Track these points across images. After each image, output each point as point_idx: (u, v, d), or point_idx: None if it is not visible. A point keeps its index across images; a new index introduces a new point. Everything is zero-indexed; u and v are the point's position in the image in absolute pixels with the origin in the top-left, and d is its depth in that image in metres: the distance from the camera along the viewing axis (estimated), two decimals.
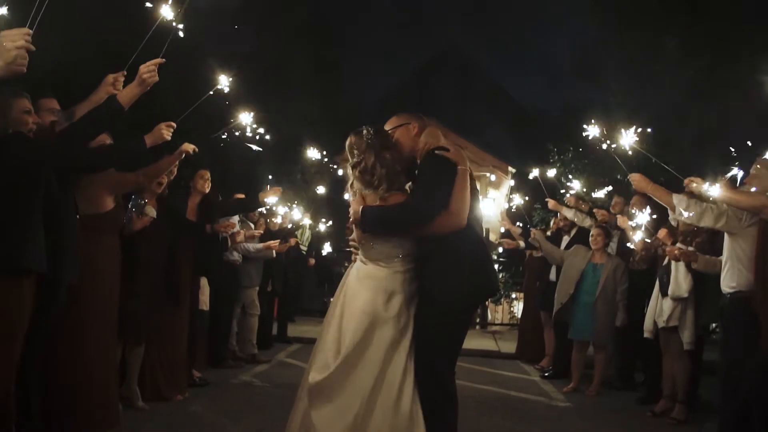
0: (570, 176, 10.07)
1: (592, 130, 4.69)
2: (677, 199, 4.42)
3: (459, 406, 3.04)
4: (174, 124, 4.01)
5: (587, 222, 7.04)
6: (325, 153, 9.40)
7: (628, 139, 4.27)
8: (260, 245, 7.08)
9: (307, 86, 10.78)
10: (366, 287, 3.07)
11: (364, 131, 3.18)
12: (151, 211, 4.59)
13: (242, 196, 7.01)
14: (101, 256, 4.00)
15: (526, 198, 9.85)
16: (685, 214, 4.24)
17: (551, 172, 8.06)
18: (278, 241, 7.27)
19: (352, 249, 3.35)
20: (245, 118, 4.75)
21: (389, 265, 3.09)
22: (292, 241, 8.44)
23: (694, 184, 4.19)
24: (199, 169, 5.65)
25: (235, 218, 6.66)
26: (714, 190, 3.85)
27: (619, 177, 8.62)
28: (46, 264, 3.08)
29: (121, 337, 4.41)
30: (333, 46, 14.08)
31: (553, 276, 7.26)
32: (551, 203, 7.51)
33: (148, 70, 3.14)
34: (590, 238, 6.53)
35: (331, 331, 3.08)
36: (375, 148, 3.11)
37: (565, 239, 7.48)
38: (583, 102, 12.10)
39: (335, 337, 3.04)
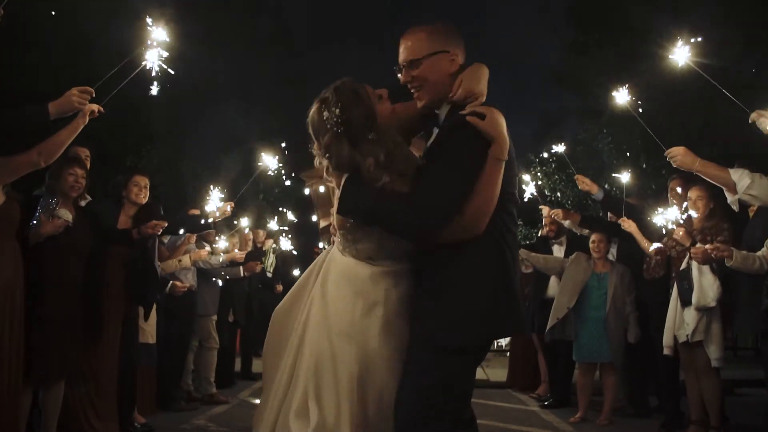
0: (553, 186, 9.55)
1: (620, 96, 3.82)
2: (737, 174, 3.57)
3: None
4: (91, 90, 3.12)
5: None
6: (281, 167, 8.60)
7: (682, 53, 3.30)
8: (223, 257, 6.19)
9: (271, 99, 10.20)
10: (340, 293, 2.19)
11: (327, 94, 2.19)
12: (66, 215, 3.66)
13: (197, 211, 6.15)
14: None
15: None
16: (753, 192, 3.37)
17: (529, 183, 7.23)
18: (243, 253, 6.39)
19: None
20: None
21: (376, 263, 2.20)
22: (257, 267, 7.59)
23: (764, 118, 3.25)
24: (135, 174, 4.75)
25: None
26: None
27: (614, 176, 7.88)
28: None
29: (28, 378, 3.44)
30: (298, 58, 13.49)
31: (552, 292, 6.42)
32: (554, 212, 6.57)
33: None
34: (591, 245, 5.75)
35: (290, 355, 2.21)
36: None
37: (557, 249, 6.73)
38: (562, 109, 11.70)
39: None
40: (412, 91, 2.19)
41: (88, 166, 4.13)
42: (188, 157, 9.34)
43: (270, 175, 8.07)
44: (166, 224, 4.55)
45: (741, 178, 3.52)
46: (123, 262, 4.35)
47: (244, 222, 6.71)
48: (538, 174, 10.28)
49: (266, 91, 10.86)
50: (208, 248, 6.19)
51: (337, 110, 2.12)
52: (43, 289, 3.55)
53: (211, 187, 5.38)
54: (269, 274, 8.80)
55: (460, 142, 2.03)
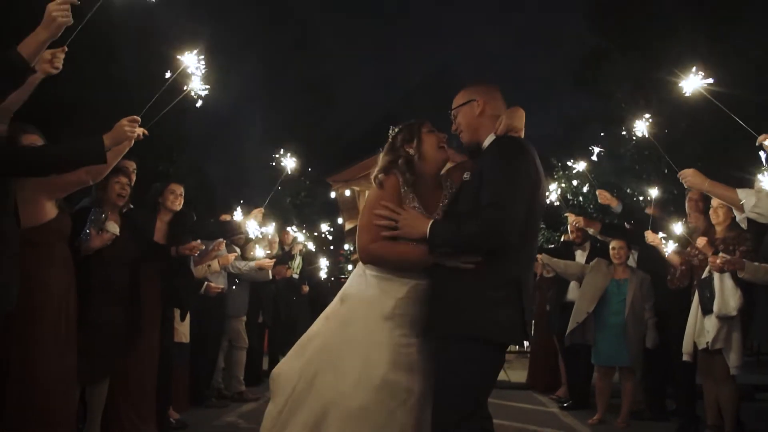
0: (575, 191, 9.61)
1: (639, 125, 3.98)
2: (743, 193, 3.71)
3: None
4: (138, 119, 3.36)
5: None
6: (309, 171, 8.84)
7: (694, 82, 3.46)
8: (252, 263, 6.43)
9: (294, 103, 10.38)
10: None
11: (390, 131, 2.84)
12: (113, 228, 3.90)
13: (228, 217, 6.41)
14: (51, 275, 3.35)
15: None
16: (760, 210, 3.51)
17: (553, 187, 7.33)
18: (272, 261, 6.62)
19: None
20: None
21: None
22: (288, 272, 7.83)
23: None
24: (171, 183, 5.00)
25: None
26: None
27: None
28: None
29: (79, 374, 3.70)
30: (322, 65, 13.71)
31: (572, 295, 6.54)
32: (577, 219, 6.67)
33: (59, 7, 2.40)
34: (611, 252, 5.87)
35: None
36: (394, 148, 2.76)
37: (579, 254, 6.84)
38: (584, 114, 11.72)
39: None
40: (459, 133, 2.71)
41: (134, 179, 4.37)
42: (217, 162, 9.62)
43: (295, 178, 8.32)
44: (204, 247, 4.80)
45: (748, 197, 3.64)
46: (161, 268, 4.60)
47: (271, 227, 6.91)
48: (561, 179, 10.33)
49: (290, 96, 11.08)
50: (235, 253, 6.42)
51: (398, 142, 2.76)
52: (91, 296, 3.79)
53: (241, 201, 5.62)
54: (295, 276, 9.03)
55: (517, 155, 2.41)
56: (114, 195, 4.09)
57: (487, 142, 2.60)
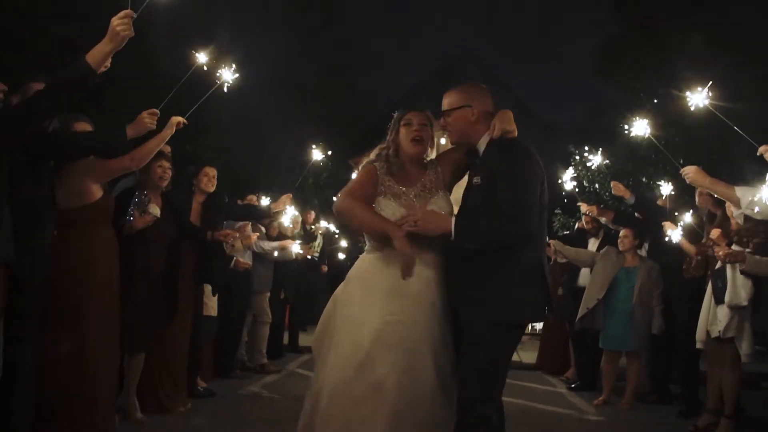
0: (592, 178, 9.74)
1: (638, 126, 4.16)
2: (741, 191, 3.87)
3: None
4: (157, 112, 3.70)
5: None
6: (329, 154, 9.06)
7: (699, 97, 3.63)
8: (275, 243, 6.73)
9: (317, 88, 10.58)
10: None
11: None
12: (155, 210, 4.19)
13: (254, 198, 6.71)
14: (97, 250, 3.66)
15: None
16: (755, 208, 3.69)
17: (568, 176, 7.49)
18: (295, 241, 6.91)
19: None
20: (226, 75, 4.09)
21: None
22: (310, 251, 8.12)
23: None
24: (205, 166, 5.30)
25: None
26: None
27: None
28: (12, 255, 2.73)
29: (120, 345, 4.03)
30: (344, 49, 13.82)
31: (583, 281, 6.77)
32: (590, 209, 6.77)
33: (122, 21, 2.63)
34: (619, 240, 6.10)
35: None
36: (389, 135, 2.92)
37: (592, 242, 7.05)
38: (605, 103, 11.76)
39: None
40: (447, 132, 2.85)
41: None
42: (241, 144, 9.88)
43: (319, 161, 8.55)
44: (237, 235, 5.14)
45: (744, 195, 3.81)
46: (196, 248, 4.92)
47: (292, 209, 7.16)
48: (579, 166, 10.44)
49: (314, 78, 11.26)
50: (257, 233, 6.69)
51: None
52: (133, 275, 4.11)
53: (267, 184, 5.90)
54: (316, 255, 9.32)
55: (524, 157, 2.62)
56: (156, 177, 4.38)
57: (483, 143, 2.75)
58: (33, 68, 3.40)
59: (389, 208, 2.74)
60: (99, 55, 2.70)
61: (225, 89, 4.02)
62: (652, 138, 4.02)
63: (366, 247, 2.88)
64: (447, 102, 2.80)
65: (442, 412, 2.61)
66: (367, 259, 2.82)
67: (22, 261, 2.87)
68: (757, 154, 3.60)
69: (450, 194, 2.92)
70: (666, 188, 5.66)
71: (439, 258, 2.75)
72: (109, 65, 3.06)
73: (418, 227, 2.59)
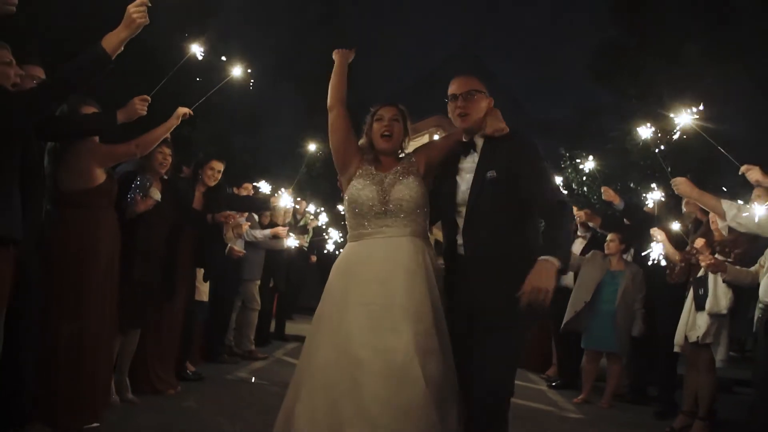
0: (581, 181, 9.86)
1: (643, 132, 4.27)
2: (727, 204, 3.99)
3: None
4: (148, 98, 3.78)
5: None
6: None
7: (684, 118, 3.81)
8: (267, 231, 6.81)
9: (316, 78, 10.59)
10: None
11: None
12: (156, 194, 4.28)
13: (249, 186, 6.78)
14: (100, 233, 3.73)
15: None
16: (739, 220, 3.83)
17: (558, 179, 7.62)
18: (286, 228, 6.99)
19: None
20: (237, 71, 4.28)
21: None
22: (302, 240, 8.20)
23: (752, 172, 3.75)
24: (213, 159, 5.39)
25: None
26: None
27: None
28: (21, 233, 2.80)
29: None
30: (344, 40, 13.83)
31: (566, 281, 6.90)
32: (578, 214, 6.90)
33: (137, 9, 2.72)
34: (606, 244, 6.24)
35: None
36: None
37: (580, 242, 7.18)
38: (597, 106, 11.85)
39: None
40: (460, 115, 2.86)
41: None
42: (239, 131, 9.91)
43: (314, 151, 8.61)
44: (238, 216, 5.23)
45: (730, 207, 3.95)
46: (197, 233, 5.00)
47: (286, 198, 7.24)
48: (569, 169, 10.58)
49: (313, 69, 11.27)
50: (248, 223, 6.75)
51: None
52: (134, 257, 4.19)
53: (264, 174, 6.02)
54: (305, 246, 9.40)
55: (535, 153, 2.79)
56: (157, 163, 4.45)
57: (479, 142, 2.87)
58: (32, 56, 3.42)
59: (360, 185, 2.87)
60: (115, 42, 2.77)
61: (225, 81, 4.09)
62: (649, 144, 4.11)
63: (348, 236, 2.97)
64: (468, 84, 2.87)
65: (427, 394, 2.55)
66: (347, 248, 2.93)
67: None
68: (739, 173, 3.74)
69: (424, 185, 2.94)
70: (654, 195, 5.79)
71: (418, 244, 2.82)
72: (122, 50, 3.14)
73: (537, 295, 2.50)
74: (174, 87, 3.91)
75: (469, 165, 2.89)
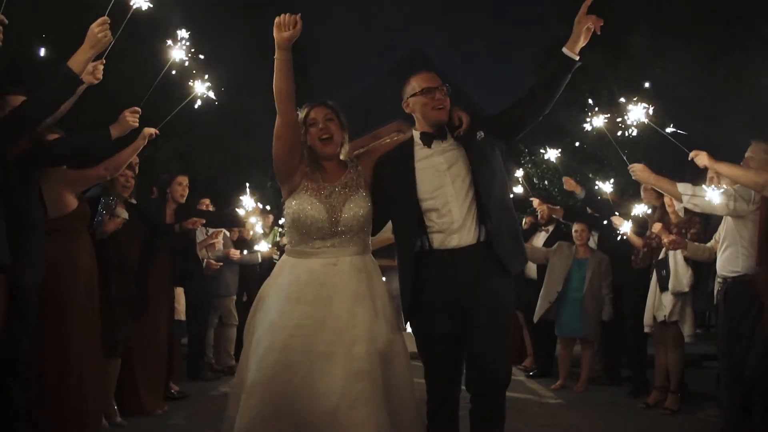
0: (542, 175, 10.13)
1: (597, 122, 4.44)
2: (682, 187, 4.21)
3: None
4: (138, 110, 3.79)
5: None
6: None
7: (637, 113, 3.98)
8: (220, 250, 6.82)
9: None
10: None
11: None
12: (123, 212, 4.33)
13: (207, 201, 6.80)
14: (78, 256, 3.79)
15: None
16: (695, 202, 4.07)
17: (519, 174, 7.83)
18: (237, 252, 7.01)
19: None
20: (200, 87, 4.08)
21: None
22: (274, 252, 8.22)
23: (699, 157, 3.91)
24: (178, 175, 5.42)
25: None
26: (719, 166, 3.77)
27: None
28: (8, 259, 2.83)
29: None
30: (301, 50, 13.91)
31: (531, 272, 7.14)
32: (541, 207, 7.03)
33: (101, 28, 2.79)
34: (574, 234, 6.46)
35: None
36: None
37: (542, 235, 7.36)
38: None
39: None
40: (440, 108, 2.81)
41: (137, 171, 4.75)
42: (201, 148, 9.89)
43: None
44: (204, 221, 5.27)
45: (685, 190, 4.20)
46: (169, 249, 5.04)
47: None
48: (528, 164, 10.86)
49: (270, 77, 11.26)
50: (220, 241, 6.75)
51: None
52: (108, 276, 4.22)
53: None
54: (276, 258, 9.39)
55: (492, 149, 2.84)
56: (120, 186, 4.47)
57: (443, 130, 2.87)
58: (14, 83, 3.45)
59: (307, 203, 2.72)
60: (81, 60, 2.87)
61: (197, 103, 4.09)
62: (607, 133, 4.28)
63: (286, 247, 2.87)
64: (438, 78, 2.85)
65: (354, 416, 2.50)
66: (288, 262, 2.80)
67: (20, 268, 2.96)
68: (689, 159, 3.97)
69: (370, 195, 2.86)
70: (607, 187, 6.05)
71: (360, 261, 2.76)
72: (101, 77, 3.22)
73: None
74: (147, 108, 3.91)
75: (431, 158, 2.81)
